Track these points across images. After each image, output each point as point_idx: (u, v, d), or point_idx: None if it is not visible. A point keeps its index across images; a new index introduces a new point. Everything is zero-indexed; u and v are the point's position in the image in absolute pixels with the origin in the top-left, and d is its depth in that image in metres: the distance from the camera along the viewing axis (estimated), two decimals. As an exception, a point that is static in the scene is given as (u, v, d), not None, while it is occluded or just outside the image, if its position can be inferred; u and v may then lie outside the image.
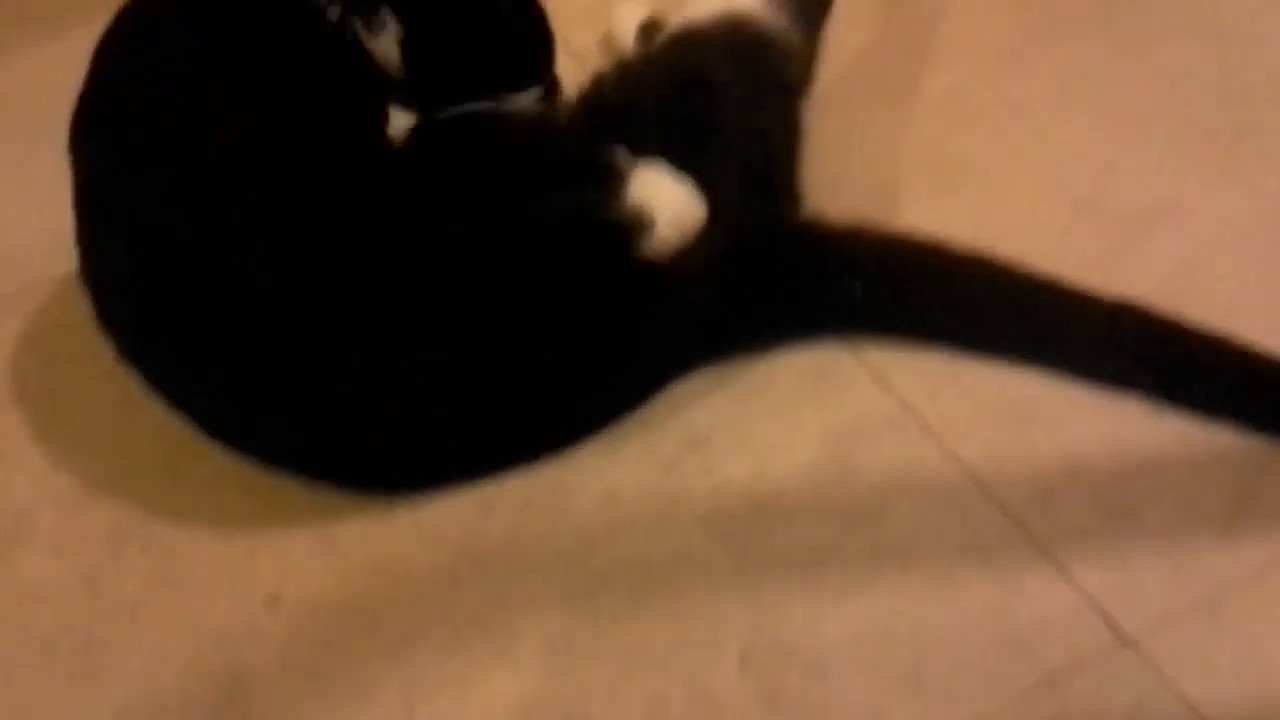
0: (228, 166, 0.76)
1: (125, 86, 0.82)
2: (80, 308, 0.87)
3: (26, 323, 0.95)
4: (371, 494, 0.79)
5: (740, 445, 0.82)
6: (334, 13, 0.84)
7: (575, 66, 0.96)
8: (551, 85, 0.95)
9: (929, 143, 1.02)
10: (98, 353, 0.84)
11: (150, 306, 0.78)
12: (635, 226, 0.79)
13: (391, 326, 0.74)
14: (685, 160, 0.82)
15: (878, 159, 1.01)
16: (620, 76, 0.89)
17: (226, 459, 0.80)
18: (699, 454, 0.81)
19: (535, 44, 0.92)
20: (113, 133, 0.81)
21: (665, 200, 0.80)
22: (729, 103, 0.86)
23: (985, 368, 0.84)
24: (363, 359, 0.74)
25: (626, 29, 1.13)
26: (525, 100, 0.93)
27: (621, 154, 0.81)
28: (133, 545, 0.79)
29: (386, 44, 0.85)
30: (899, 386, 0.84)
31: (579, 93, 0.89)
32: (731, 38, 0.90)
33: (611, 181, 0.79)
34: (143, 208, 0.77)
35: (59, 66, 1.25)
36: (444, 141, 0.82)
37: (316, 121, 0.78)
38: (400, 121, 0.84)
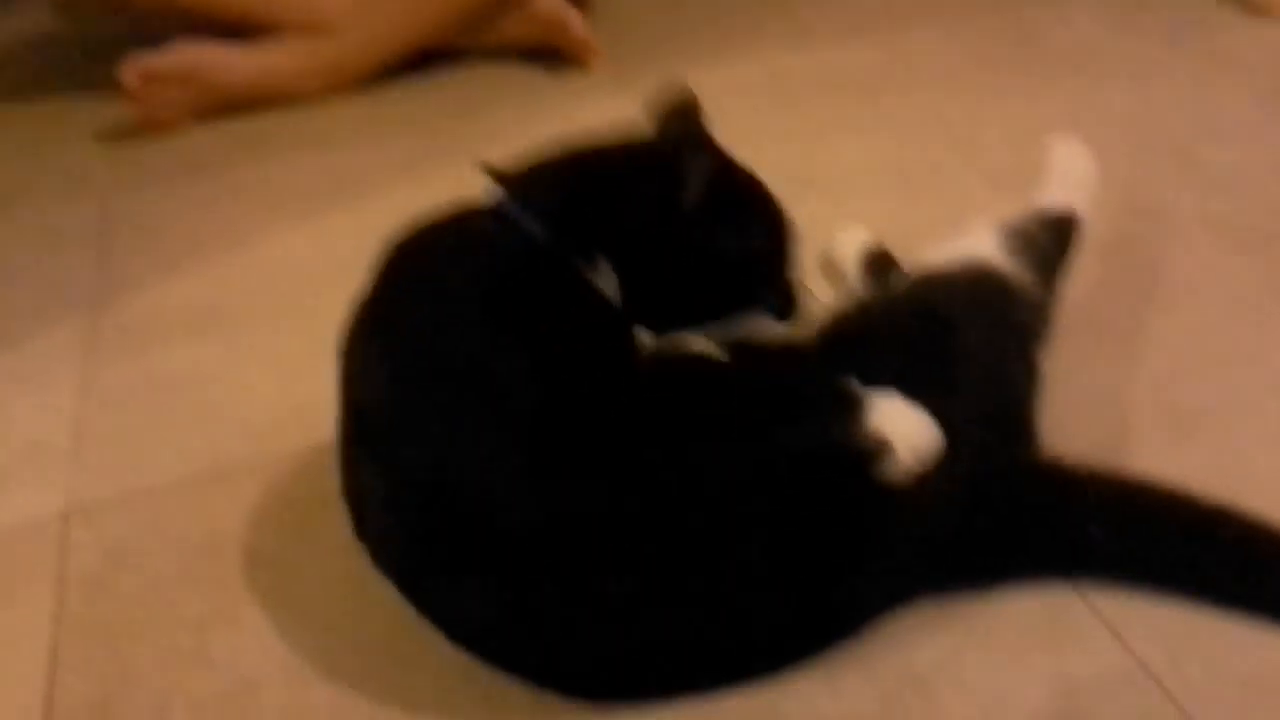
0: (497, 415, 0.78)
1: (403, 316, 0.85)
2: (319, 483, 0.91)
3: (266, 492, 1.00)
4: (593, 701, 0.79)
5: (963, 688, 0.79)
6: (576, 260, 0.89)
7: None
8: (784, 301, 0.97)
9: (1160, 388, 1.01)
10: (334, 529, 0.87)
11: (407, 531, 0.80)
12: (874, 453, 0.79)
13: (636, 551, 0.75)
14: (925, 394, 0.83)
15: (1105, 404, 1.00)
16: (862, 312, 0.93)
17: (453, 651, 0.81)
18: (920, 693, 0.79)
19: (754, 267, 0.95)
20: (386, 361, 0.84)
21: (903, 427, 0.80)
22: (970, 341, 0.88)
23: (1227, 628, 0.80)
24: (608, 581, 0.75)
25: (848, 254, 1.16)
26: (755, 319, 0.96)
27: (856, 383, 0.82)
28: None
29: (606, 283, 0.90)
30: (1135, 642, 0.80)
31: (819, 326, 0.92)
32: (973, 282, 0.93)
33: (851, 408, 0.80)
34: (408, 446, 0.79)
35: (306, 246, 1.36)
36: (680, 370, 0.85)
37: (575, 365, 0.82)
38: (645, 340, 0.88)
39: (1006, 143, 1.41)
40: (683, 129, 0.95)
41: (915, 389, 0.83)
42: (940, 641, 0.82)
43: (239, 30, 1.68)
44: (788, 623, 0.79)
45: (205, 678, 0.85)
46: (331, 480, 0.87)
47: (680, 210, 0.90)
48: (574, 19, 1.69)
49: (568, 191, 0.91)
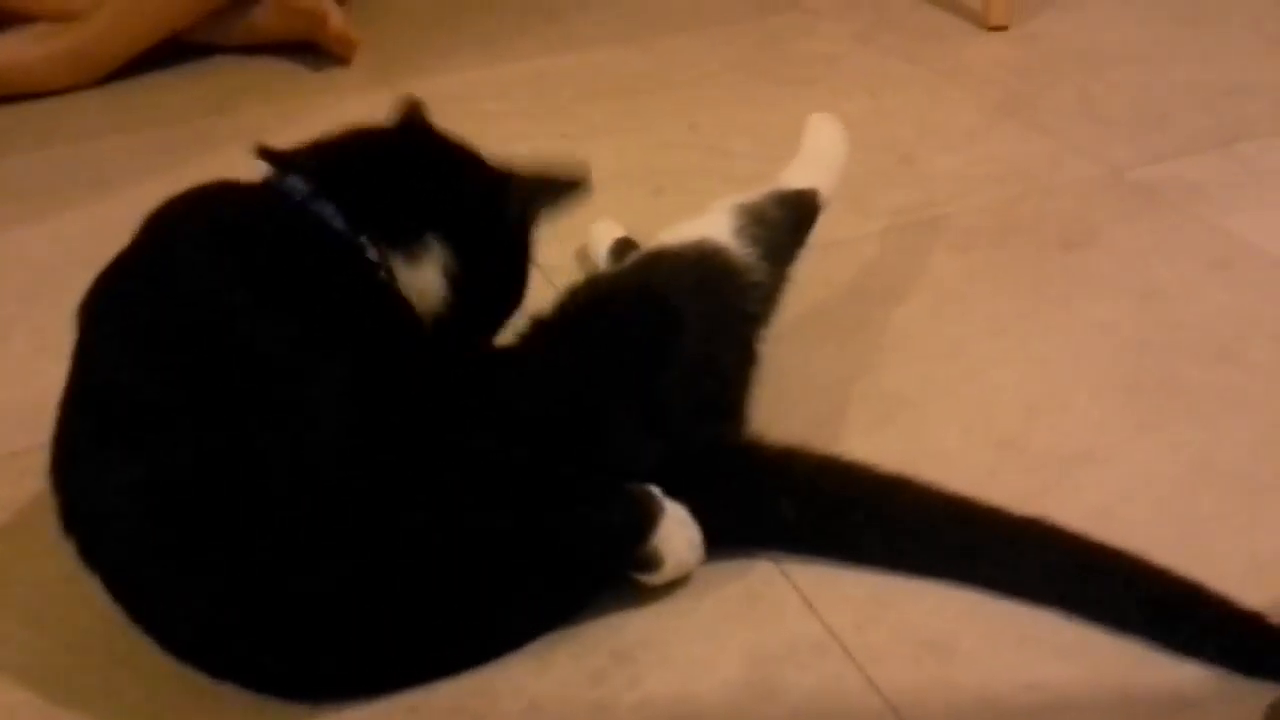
0: (264, 411, 0.75)
1: (162, 292, 0.80)
2: (35, 484, 0.89)
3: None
4: (293, 699, 0.80)
5: (666, 662, 0.83)
6: (370, 249, 0.85)
7: (543, 281, 1.01)
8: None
9: (869, 378, 1.08)
10: (48, 529, 0.85)
11: (149, 521, 0.75)
12: (645, 564, 0.84)
13: (347, 535, 0.75)
14: (639, 376, 0.87)
15: (819, 391, 1.06)
16: (589, 291, 0.94)
17: (141, 648, 0.79)
18: (625, 669, 0.83)
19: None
20: (140, 340, 0.78)
21: (680, 552, 0.84)
22: (684, 320, 0.91)
23: (912, 597, 0.86)
24: (330, 579, 0.75)
25: (601, 246, 1.20)
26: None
27: (655, 492, 0.84)
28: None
29: (426, 275, 0.88)
30: (826, 612, 0.86)
31: (550, 305, 0.93)
32: (700, 264, 0.95)
33: (643, 526, 0.83)
34: (164, 433, 0.74)
35: (44, 246, 1.32)
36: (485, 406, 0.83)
37: (359, 361, 0.79)
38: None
39: (750, 146, 1.47)
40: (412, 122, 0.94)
41: (631, 370, 0.87)
42: (646, 619, 0.86)
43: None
44: (494, 611, 0.82)
45: (-99, 684, 0.82)
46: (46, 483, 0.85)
47: (505, 195, 0.91)
48: (333, 12, 1.67)
49: (374, 180, 0.88)
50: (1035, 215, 1.31)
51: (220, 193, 0.87)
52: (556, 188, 0.94)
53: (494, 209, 0.91)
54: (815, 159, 1.09)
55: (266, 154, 0.89)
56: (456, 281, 0.89)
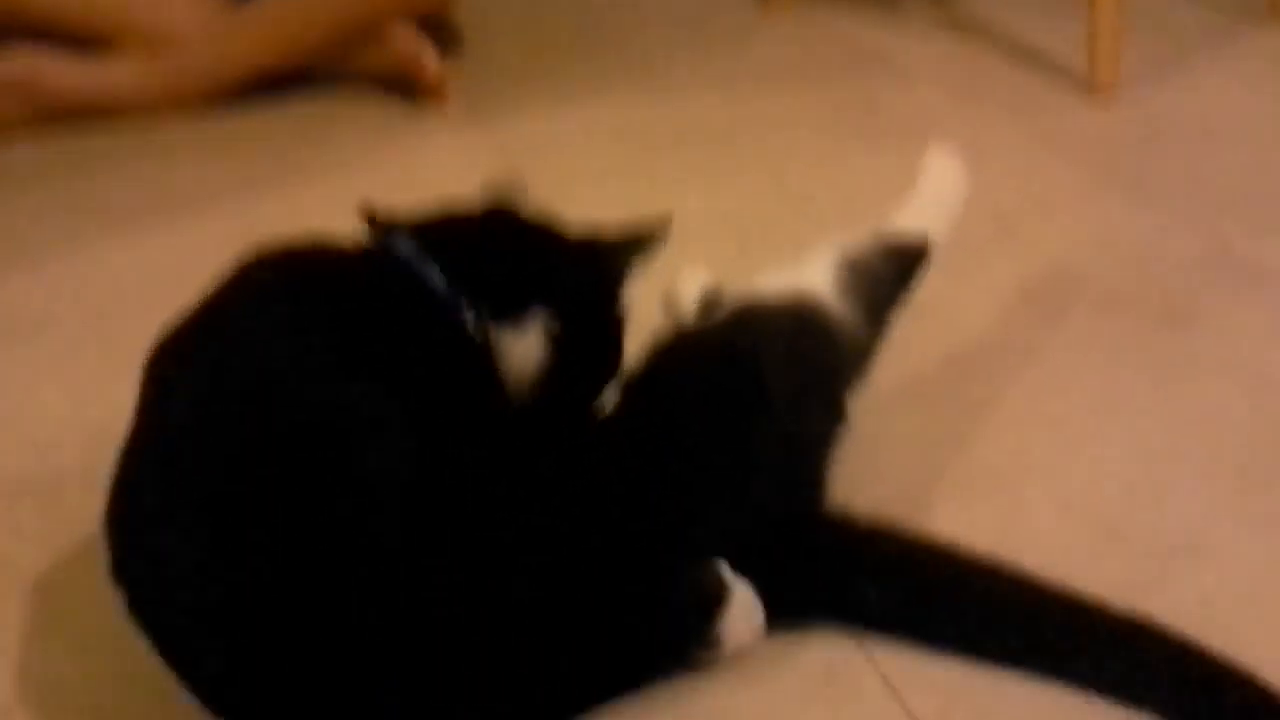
0: (349, 483, 0.73)
1: (250, 344, 0.78)
2: (98, 507, 0.87)
3: (43, 513, 0.96)
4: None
5: (739, 737, 0.79)
6: (470, 316, 0.84)
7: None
8: None
9: (960, 449, 1.03)
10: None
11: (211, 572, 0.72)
12: (709, 647, 0.81)
13: (414, 607, 0.73)
14: (722, 439, 0.83)
15: (907, 460, 1.01)
16: (676, 352, 0.91)
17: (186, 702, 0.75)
18: (699, 742, 0.79)
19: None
20: (218, 393, 0.77)
21: (740, 635, 0.81)
22: (772, 384, 0.87)
23: (1000, 686, 0.81)
24: (384, 633, 0.72)
25: (687, 294, 1.16)
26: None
27: (724, 572, 0.81)
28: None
29: (527, 344, 0.86)
30: (909, 696, 0.81)
31: (637, 365, 0.91)
32: (795, 324, 0.91)
33: (709, 613, 0.80)
34: (236, 500, 0.72)
35: (125, 264, 1.32)
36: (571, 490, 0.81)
37: (452, 435, 0.78)
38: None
39: (838, 201, 1.44)
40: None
41: (713, 432, 0.84)
42: (718, 688, 0.82)
43: (84, 42, 1.64)
44: (574, 676, 0.78)
45: (-48, 703, 0.81)
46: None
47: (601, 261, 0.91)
48: (429, 55, 1.68)
49: (480, 248, 0.87)
50: (1139, 289, 1.26)
51: (309, 254, 0.86)
52: (640, 245, 0.92)
53: (591, 279, 0.90)
54: (931, 199, 1.04)
55: (372, 220, 0.88)
56: (556, 352, 0.87)
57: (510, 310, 0.86)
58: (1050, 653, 0.82)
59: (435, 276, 0.84)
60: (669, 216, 0.93)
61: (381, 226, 0.88)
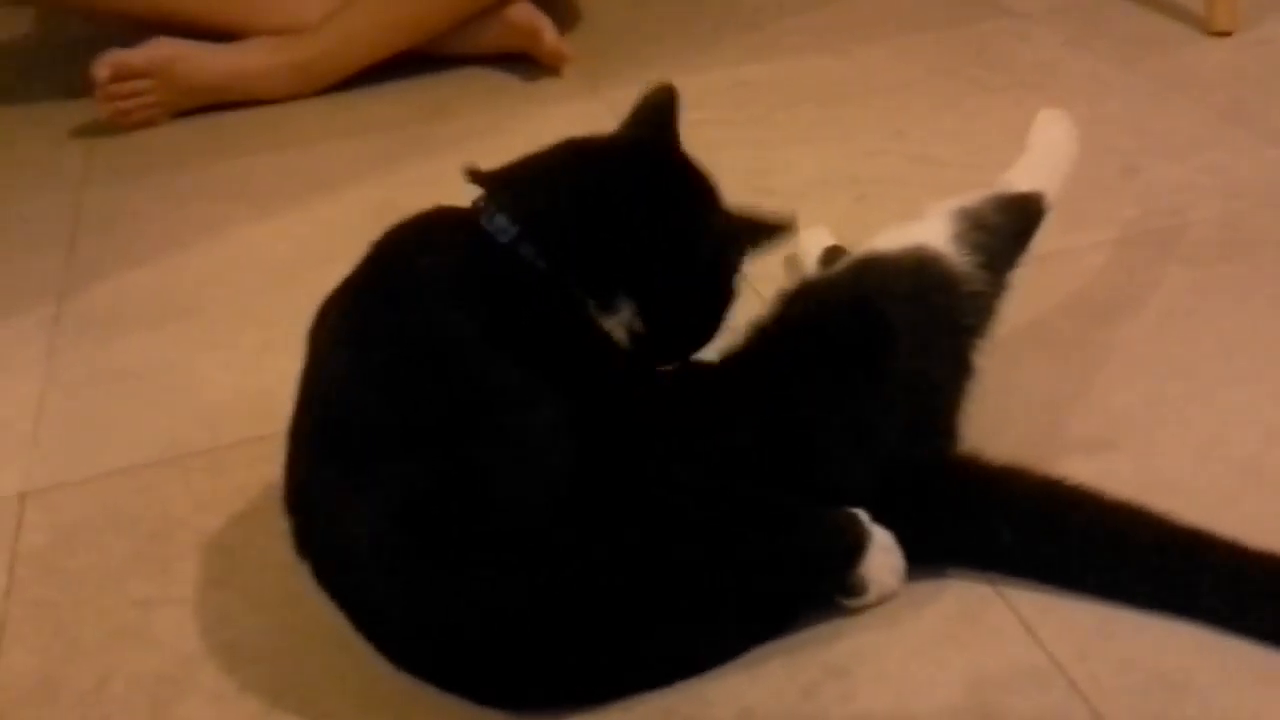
0: (504, 432, 0.78)
1: (378, 333, 0.82)
2: (267, 471, 0.93)
3: (216, 479, 1.03)
4: (510, 709, 0.81)
5: (881, 679, 0.81)
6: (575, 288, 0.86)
7: (750, 293, 1.00)
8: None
9: (1091, 396, 1.04)
10: (279, 516, 0.88)
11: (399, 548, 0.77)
12: (850, 590, 0.84)
13: (566, 556, 0.77)
14: (850, 393, 0.86)
15: (1036, 409, 1.02)
16: (801, 299, 0.93)
17: (364, 650, 0.81)
18: (840, 682, 0.81)
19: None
20: (365, 375, 0.81)
21: (884, 579, 0.84)
22: (899, 332, 0.89)
23: (1139, 627, 0.83)
24: (540, 580, 0.76)
25: (810, 254, 1.18)
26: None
27: (862, 518, 0.84)
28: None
29: (617, 319, 0.88)
30: (1048, 640, 0.83)
31: (768, 313, 0.92)
32: (915, 272, 0.92)
33: (850, 557, 0.83)
34: (408, 462, 0.77)
35: (273, 243, 1.39)
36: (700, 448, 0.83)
37: (583, 393, 0.81)
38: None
39: (958, 154, 1.44)
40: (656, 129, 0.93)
41: (840, 381, 0.86)
42: (861, 636, 0.84)
43: (216, 34, 1.71)
44: (711, 624, 0.82)
45: (146, 656, 0.87)
46: (277, 470, 0.88)
47: (698, 249, 0.90)
48: (547, 27, 1.72)
49: (575, 228, 0.87)
50: (1267, 229, 1.24)
51: (441, 223, 0.88)
52: (759, 230, 0.92)
53: (688, 257, 0.90)
54: (1042, 159, 1.04)
55: (476, 176, 0.89)
56: (642, 330, 0.88)
57: (598, 293, 0.87)
58: (1188, 593, 0.83)
59: (533, 255, 0.85)
60: (794, 216, 0.93)
61: (487, 184, 0.88)
